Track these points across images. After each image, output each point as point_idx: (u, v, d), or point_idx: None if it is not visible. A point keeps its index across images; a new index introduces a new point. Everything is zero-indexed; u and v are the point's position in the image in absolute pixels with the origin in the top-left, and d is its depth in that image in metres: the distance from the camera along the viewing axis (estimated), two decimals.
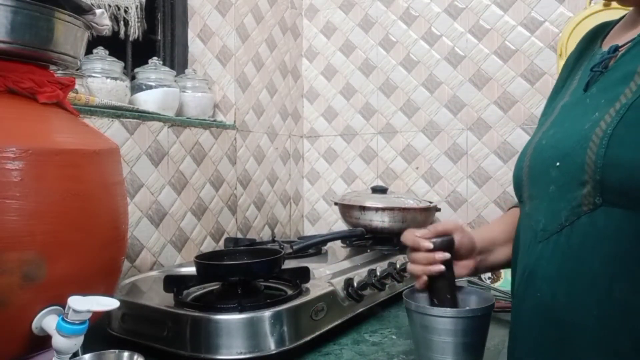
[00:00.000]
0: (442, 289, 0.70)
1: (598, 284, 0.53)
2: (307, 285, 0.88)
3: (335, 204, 1.40)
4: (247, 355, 0.72)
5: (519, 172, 0.69)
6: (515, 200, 0.73)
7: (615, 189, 0.53)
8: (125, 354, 0.59)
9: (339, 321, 0.88)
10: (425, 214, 1.32)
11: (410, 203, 1.32)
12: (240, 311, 0.74)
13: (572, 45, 1.31)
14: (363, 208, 1.29)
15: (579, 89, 0.65)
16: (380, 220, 1.28)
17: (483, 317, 0.66)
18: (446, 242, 0.70)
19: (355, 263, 1.08)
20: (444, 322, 0.64)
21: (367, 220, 1.29)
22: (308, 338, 0.79)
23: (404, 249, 1.23)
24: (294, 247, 1.12)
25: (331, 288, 0.89)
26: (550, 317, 0.58)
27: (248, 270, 0.83)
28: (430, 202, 1.38)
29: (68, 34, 0.68)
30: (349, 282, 0.94)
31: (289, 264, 0.94)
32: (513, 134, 1.41)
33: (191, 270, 0.89)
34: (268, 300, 0.79)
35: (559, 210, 0.58)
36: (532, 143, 0.68)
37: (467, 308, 0.69)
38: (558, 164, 0.60)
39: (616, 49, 0.62)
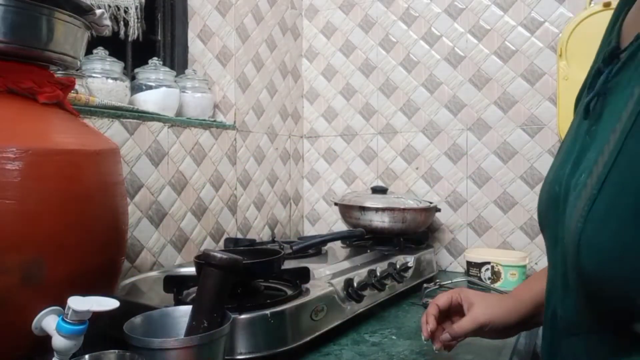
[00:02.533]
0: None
1: None
2: (307, 285, 0.88)
3: (335, 204, 1.40)
4: (247, 356, 0.72)
5: (539, 206, 0.56)
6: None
7: (592, 280, 0.40)
8: (126, 354, 0.59)
9: (339, 321, 0.88)
10: (425, 215, 1.32)
11: (410, 203, 1.32)
12: (240, 311, 0.73)
13: (572, 46, 1.31)
14: (363, 208, 1.29)
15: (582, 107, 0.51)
16: (380, 221, 1.28)
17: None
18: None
19: (355, 263, 1.08)
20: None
21: (367, 221, 1.29)
22: (308, 338, 0.79)
23: (403, 249, 1.24)
24: (294, 248, 1.12)
25: (331, 288, 0.89)
26: None
27: (248, 271, 0.83)
28: (430, 203, 1.38)
29: (68, 34, 0.68)
30: (349, 283, 0.94)
31: (289, 264, 0.94)
32: (513, 134, 1.41)
33: (191, 270, 0.89)
34: (268, 301, 0.78)
35: None
36: (551, 169, 0.56)
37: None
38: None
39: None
